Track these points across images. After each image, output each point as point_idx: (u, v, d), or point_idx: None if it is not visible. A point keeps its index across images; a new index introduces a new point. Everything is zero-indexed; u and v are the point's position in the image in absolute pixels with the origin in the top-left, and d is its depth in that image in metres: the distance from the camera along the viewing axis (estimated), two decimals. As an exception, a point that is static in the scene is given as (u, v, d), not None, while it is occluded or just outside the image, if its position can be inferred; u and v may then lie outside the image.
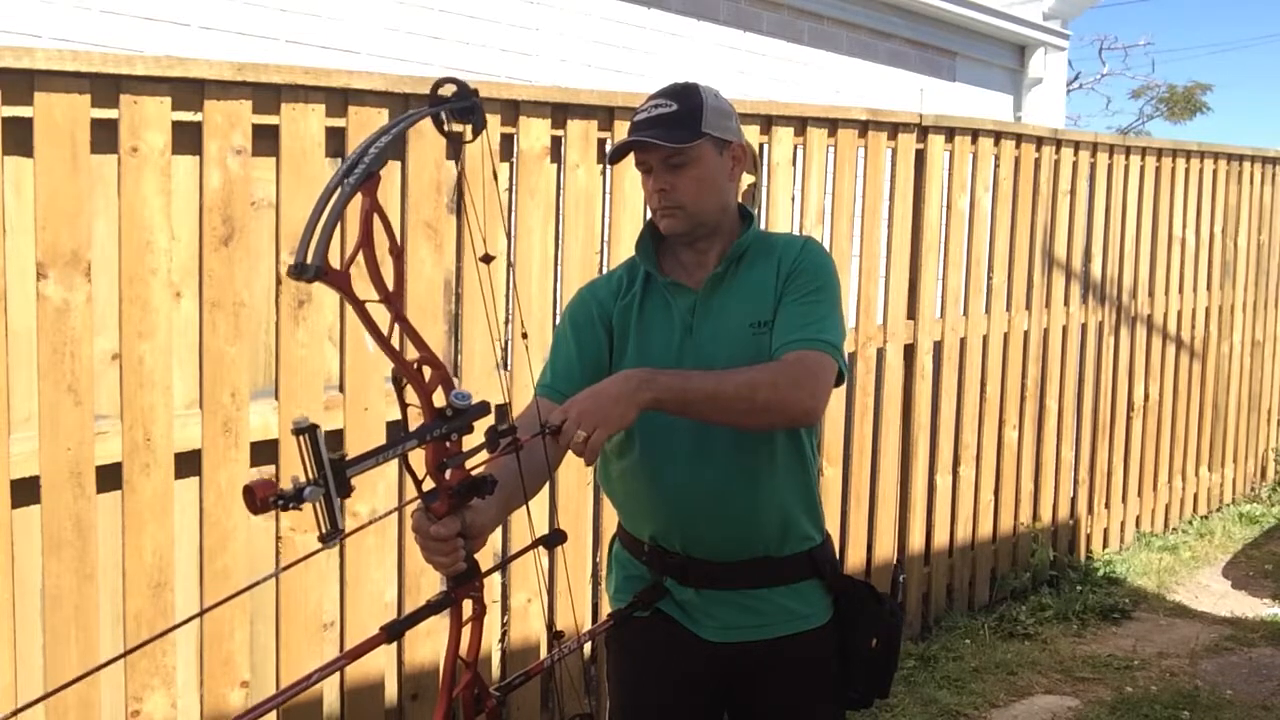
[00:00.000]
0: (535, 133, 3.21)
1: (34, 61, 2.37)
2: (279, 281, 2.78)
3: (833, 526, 4.12)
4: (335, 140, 2.86)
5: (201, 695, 2.74)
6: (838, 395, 4.12)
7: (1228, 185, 6.29)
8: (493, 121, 3.12)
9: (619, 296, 2.00)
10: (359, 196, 1.36)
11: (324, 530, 1.30)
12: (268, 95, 2.71)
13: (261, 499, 1.24)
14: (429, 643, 3.09)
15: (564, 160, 3.30)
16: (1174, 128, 21.64)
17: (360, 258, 1.36)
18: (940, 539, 4.64)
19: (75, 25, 3.64)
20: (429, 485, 1.52)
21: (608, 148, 3.28)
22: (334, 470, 1.30)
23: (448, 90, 1.58)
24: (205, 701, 2.73)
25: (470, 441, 1.51)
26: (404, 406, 1.48)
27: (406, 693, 3.09)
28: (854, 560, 4.29)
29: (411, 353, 1.48)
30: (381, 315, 1.38)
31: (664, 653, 1.98)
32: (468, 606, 1.57)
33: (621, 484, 2.02)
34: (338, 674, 2.97)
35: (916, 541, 4.54)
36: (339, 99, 2.84)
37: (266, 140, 2.73)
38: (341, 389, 2.92)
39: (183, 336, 2.65)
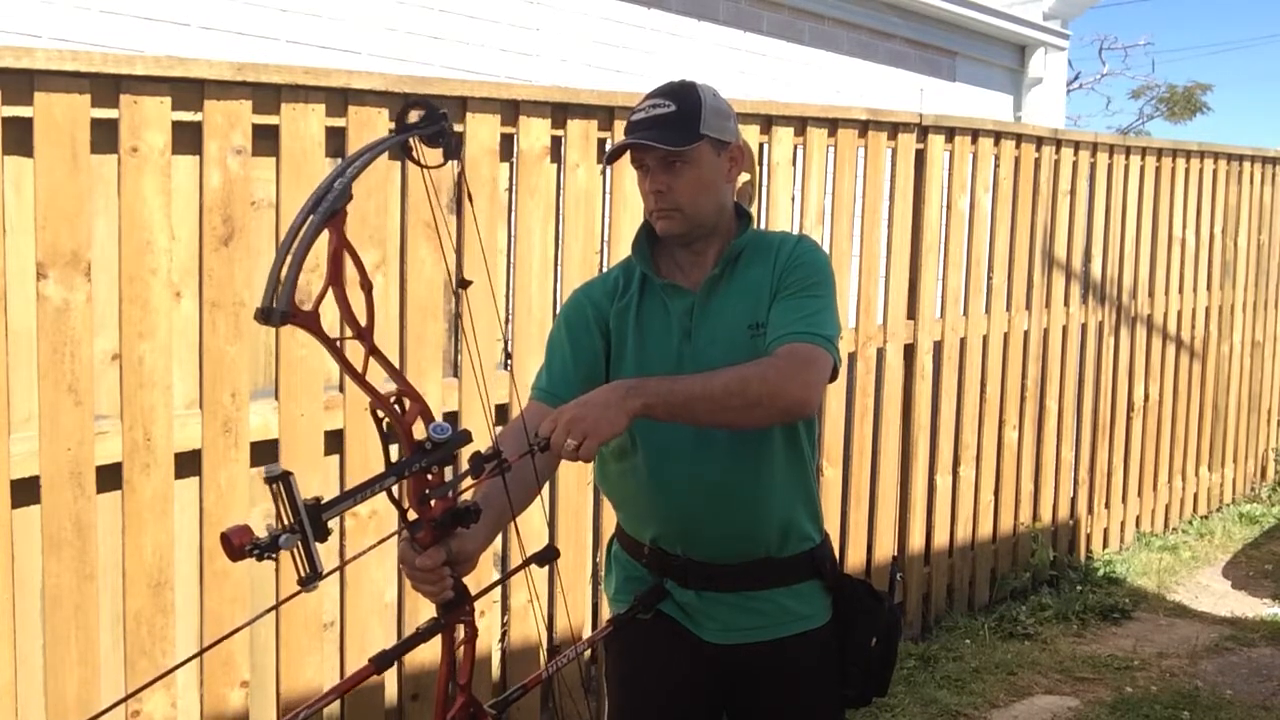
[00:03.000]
0: (535, 133, 3.21)
1: (34, 61, 2.37)
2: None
3: (833, 526, 4.12)
4: (335, 140, 2.85)
5: (201, 695, 2.74)
6: (837, 395, 4.16)
7: (1228, 185, 6.29)
8: (492, 121, 3.12)
9: (615, 299, 1.98)
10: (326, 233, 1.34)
11: (303, 574, 1.29)
12: (268, 95, 2.71)
13: (238, 546, 1.24)
14: (430, 643, 3.09)
15: (564, 160, 3.30)
16: (1174, 128, 21.64)
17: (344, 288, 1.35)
18: (940, 539, 4.64)
19: (75, 25, 3.64)
20: (415, 515, 1.51)
21: (608, 147, 3.28)
22: (310, 515, 1.29)
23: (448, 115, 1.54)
24: (205, 701, 2.73)
25: (461, 459, 1.50)
26: (384, 440, 1.47)
27: (407, 693, 3.09)
28: (854, 560, 4.29)
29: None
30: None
31: (664, 654, 1.97)
32: (460, 630, 1.57)
33: (621, 486, 2.02)
34: (337, 673, 2.97)
35: (916, 541, 4.54)
36: (339, 99, 2.84)
37: (266, 140, 2.73)
38: (341, 389, 2.92)
39: (183, 336, 2.65)
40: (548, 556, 1.68)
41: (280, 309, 1.28)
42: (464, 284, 1.53)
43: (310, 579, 1.29)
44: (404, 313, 3.01)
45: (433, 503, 1.49)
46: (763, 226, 3.81)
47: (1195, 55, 47.06)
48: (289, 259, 1.30)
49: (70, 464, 2.48)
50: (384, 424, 1.45)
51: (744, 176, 2.05)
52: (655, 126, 1.85)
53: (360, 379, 1.38)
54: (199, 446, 2.68)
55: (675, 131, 1.85)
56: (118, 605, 2.60)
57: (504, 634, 3.31)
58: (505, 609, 3.31)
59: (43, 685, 2.49)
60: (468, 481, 1.52)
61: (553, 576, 3.34)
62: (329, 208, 1.33)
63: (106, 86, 2.48)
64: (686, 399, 1.69)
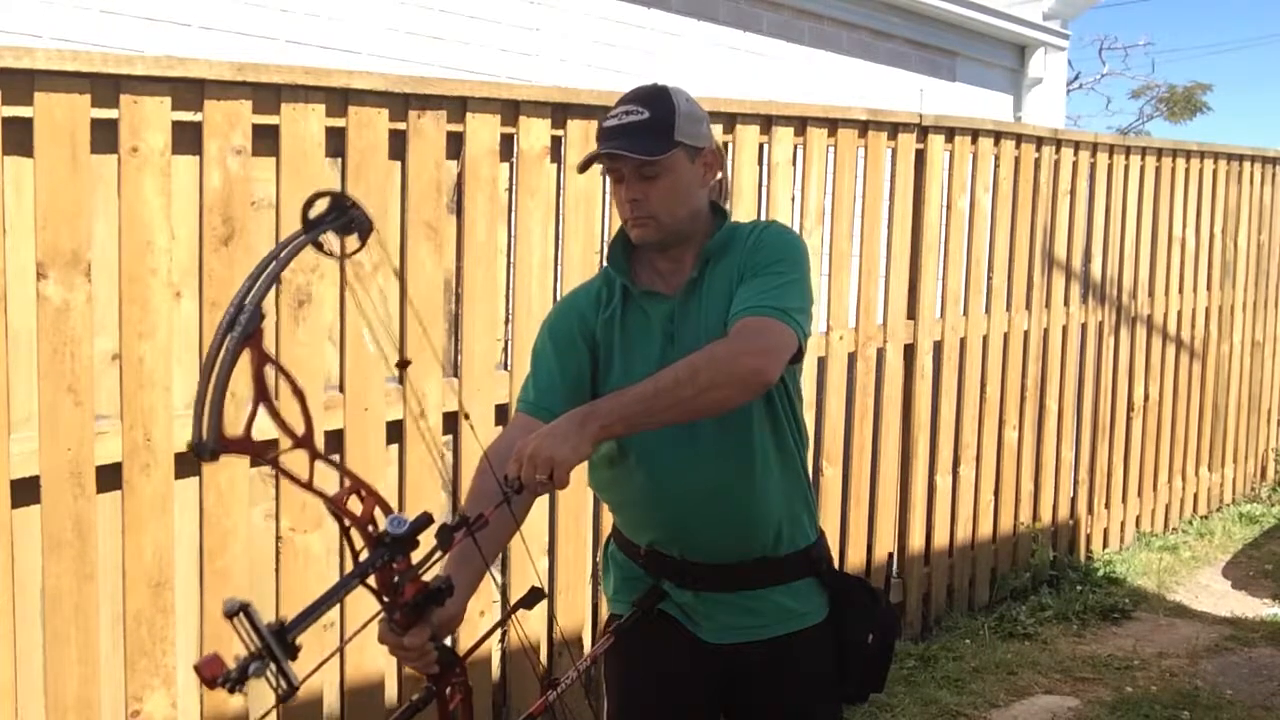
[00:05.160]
0: (535, 133, 3.21)
1: (34, 61, 2.37)
2: (278, 281, 2.77)
3: (832, 526, 4.13)
4: (335, 140, 2.85)
5: (201, 695, 2.74)
6: (837, 395, 4.16)
7: (1228, 185, 6.29)
8: (493, 122, 3.12)
9: (600, 310, 1.96)
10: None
11: (281, 690, 1.29)
12: (268, 95, 2.71)
13: (210, 679, 1.23)
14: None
15: (564, 160, 3.30)
16: (1174, 128, 21.63)
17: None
18: (940, 539, 4.64)
19: (75, 25, 3.64)
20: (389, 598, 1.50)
21: (607, 148, 3.27)
22: (277, 638, 1.28)
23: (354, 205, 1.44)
24: (205, 701, 2.73)
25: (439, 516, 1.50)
26: (344, 531, 1.44)
27: (406, 694, 3.09)
28: (854, 560, 4.29)
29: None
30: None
31: (662, 654, 1.97)
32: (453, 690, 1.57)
33: (614, 492, 2.02)
34: (338, 674, 2.97)
35: (916, 542, 4.54)
36: (339, 99, 2.84)
37: (266, 140, 2.73)
38: (341, 389, 2.92)
39: (183, 336, 2.65)
40: (534, 600, 1.70)
41: (209, 445, 1.24)
42: (403, 364, 1.51)
43: (288, 694, 1.29)
44: (404, 313, 3.01)
45: (405, 588, 1.48)
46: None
47: (1195, 55, 47.12)
48: (211, 386, 1.25)
49: (70, 464, 2.48)
50: (344, 521, 1.45)
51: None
52: (628, 134, 1.83)
53: (309, 487, 1.38)
54: (199, 446, 2.68)
55: (649, 139, 1.82)
56: (118, 605, 2.60)
57: (504, 634, 3.31)
58: (505, 610, 3.30)
59: (43, 685, 2.49)
60: (438, 552, 1.51)
61: (552, 577, 3.34)
62: (244, 331, 1.28)
63: (106, 86, 2.48)
64: (641, 406, 1.67)
